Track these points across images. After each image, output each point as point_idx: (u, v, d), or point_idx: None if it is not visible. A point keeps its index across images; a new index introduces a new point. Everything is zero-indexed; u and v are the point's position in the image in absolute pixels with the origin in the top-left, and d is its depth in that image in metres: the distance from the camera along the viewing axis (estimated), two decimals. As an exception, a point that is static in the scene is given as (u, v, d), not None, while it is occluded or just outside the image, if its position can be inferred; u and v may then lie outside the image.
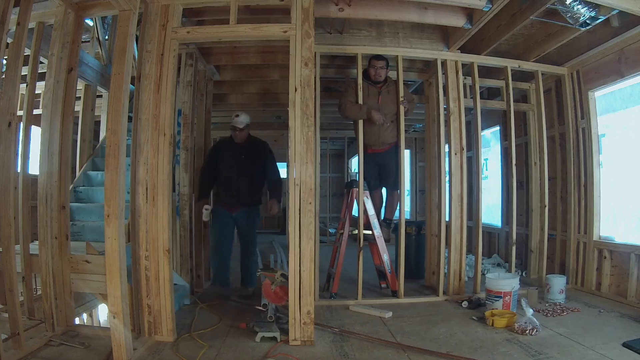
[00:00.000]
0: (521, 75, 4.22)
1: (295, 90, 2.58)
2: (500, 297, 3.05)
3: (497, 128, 5.37)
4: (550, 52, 3.76)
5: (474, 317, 3.01)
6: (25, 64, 2.41)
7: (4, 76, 2.27)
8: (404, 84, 3.74)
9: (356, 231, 3.59)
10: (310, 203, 2.57)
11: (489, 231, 5.47)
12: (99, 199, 3.86)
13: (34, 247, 2.63)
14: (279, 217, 9.98)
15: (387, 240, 3.75)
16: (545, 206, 3.87)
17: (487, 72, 4.13)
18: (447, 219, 3.65)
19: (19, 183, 2.43)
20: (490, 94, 5.18)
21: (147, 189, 2.53)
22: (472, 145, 4.42)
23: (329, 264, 3.88)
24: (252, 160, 3.55)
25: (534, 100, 4.21)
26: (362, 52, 3.56)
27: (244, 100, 5.70)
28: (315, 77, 2.89)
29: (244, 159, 3.53)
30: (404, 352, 2.40)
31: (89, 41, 4.68)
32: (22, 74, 2.37)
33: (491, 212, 5.49)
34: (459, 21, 3.36)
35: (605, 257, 3.56)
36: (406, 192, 4.61)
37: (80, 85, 4.30)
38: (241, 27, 2.66)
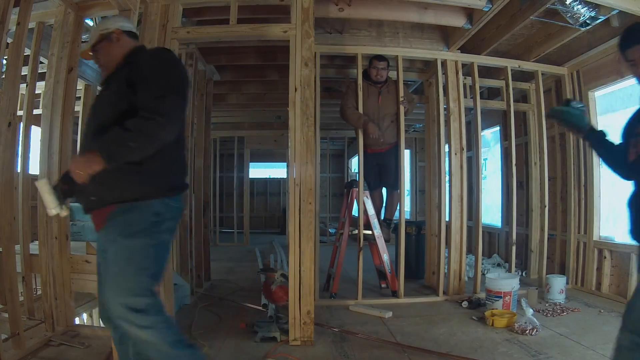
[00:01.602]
0: (521, 75, 4.22)
1: (295, 90, 2.58)
2: (500, 297, 3.05)
3: (497, 128, 5.37)
4: (550, 52, 3.76)
5: (474, 317, 3.01)
6: (25, 64, 2.41)
7: (4, 76, 2.27)
8: (404, 84, 3.74)
9: (356, 231, 3.59)
10: (310, 203, 2.57)
11: (489, 231, 5.47)
12: (99, 199, 3.85)
13: (34, 247, 2.63)
14: (279, 217, 10.01)
15: (387, 240, 3.75)
16: (545, 206, 3.87)
17: (487, 72, 4.13)
18: (447, 219, 3.65)
19: (19, 183, 2.43)
20: (490, 94, 5.18)
21: (147, 189, 2.52)
22: (472, 145, 4.42)
23: (329, 264, 3.88)
24: (116, 95, 1.58)
25: (534, 100, 4.21)
26: (362, 52, 3.56)
27: (244, 100, 5.71)
28: (315, 77, 2.89)
29: (105, 96, 1.67)
30: (404, 352, 2.40)
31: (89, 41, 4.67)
32: (22, 74, 2.37)
33: (491, 212, 5.49)
34: (459, 21, 3.36)
35: (605, 257, 3.56)
36: (406, 192, 4.61)
37: (80, 85, 4.29)
38: (241, 27, 2.66)
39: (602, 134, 1.75)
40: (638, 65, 1.50)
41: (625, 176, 1.65)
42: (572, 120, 1.77)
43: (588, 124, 1.75)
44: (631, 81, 3.40)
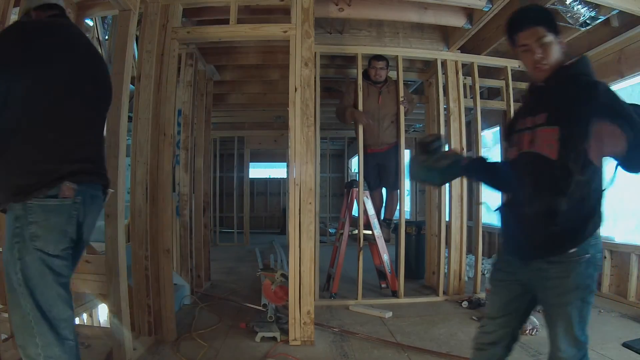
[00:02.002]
0: (521, 75, 4.21)
1: (295, 90, 2.58)
2: (500, 297, 3.05)
3: (497, 128, 5.37)
4: (550, 52, 3.75)
5: (474, 317, 3.01)
6: (25, 64, 2.40)
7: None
8: (404, 84, 3.75)
9: (356, 231, 3.59)
10: (310, 203, 2.57)
11: (489, 231, 5.47)
12: (99, 199, 3.85)
13: (34, 247, 2.62)
14: (279, 217, 10.02)
15: (387, 240, 3.75)
16: (545, 206, 3.86)
17: (487, 72, 4.13)
18: (447, 219, 3.65)
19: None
20: (490, 94, 5.18)
21: (147, 189, 2.53)
22: (472, 145, 4.42)
23: (329, 264, 3.88)
24: None
25: (534, 100, 4.21)
26: (362, 52, 3.56)
27: (244, 100, 5.71)
28: (315, 77, 2.89)
29: None
30: (404, 352, 2.40)
31: (89, 41, 4.66)
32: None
33: (491, 212, 5.48)
34: (459, 21, 3.37)
35: (605, 257, 3.55)
36: (406, 192, 4.61)
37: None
38: (241, 27, 2.67)
39: (481, 160, 1.47)
40: (533, 51, 1.26)
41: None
42: (430, 179, 1.36)
43: (457, 162, 1.38)
44: (631, 81, 3.41)
